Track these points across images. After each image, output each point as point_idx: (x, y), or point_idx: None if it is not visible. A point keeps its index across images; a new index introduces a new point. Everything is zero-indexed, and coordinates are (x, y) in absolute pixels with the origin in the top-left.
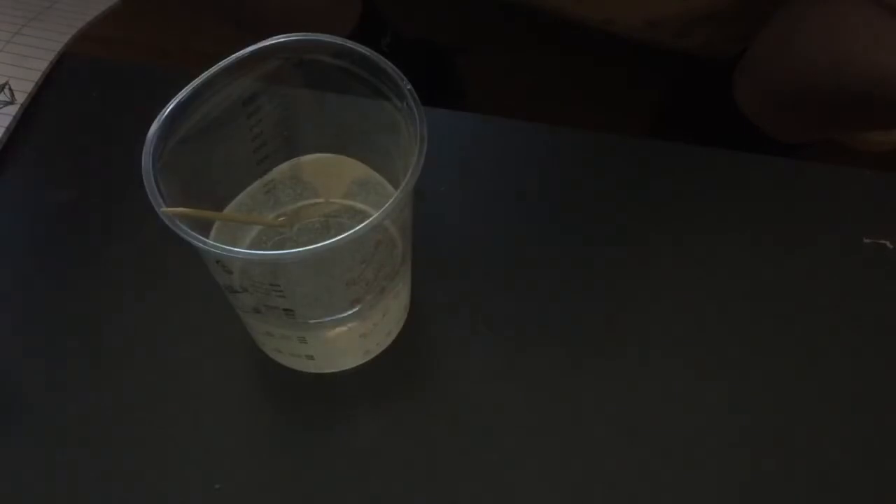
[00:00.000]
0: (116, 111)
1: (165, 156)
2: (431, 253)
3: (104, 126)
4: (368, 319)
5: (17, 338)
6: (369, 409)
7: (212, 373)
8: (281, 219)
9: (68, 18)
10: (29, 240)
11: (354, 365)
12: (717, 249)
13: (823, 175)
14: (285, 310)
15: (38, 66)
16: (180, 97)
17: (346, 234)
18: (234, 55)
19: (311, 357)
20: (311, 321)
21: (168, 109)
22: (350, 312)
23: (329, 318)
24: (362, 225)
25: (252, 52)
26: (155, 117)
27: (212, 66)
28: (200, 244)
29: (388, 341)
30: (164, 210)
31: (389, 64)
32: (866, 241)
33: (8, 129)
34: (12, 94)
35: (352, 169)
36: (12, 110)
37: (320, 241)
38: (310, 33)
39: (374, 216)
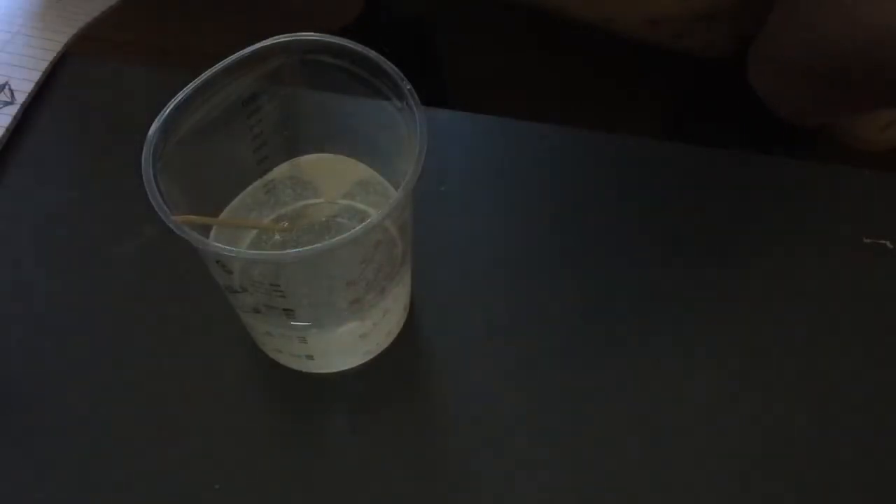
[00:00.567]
0: (116, 111)
1: (165, 156)
2: (431, 253)
3: (104, 126)
4: (368, 319)
5: (17, 338)
6: (369, 410)
7: (212, 373)
8: (283, 223)
9: (68, 18)
10: (29, 240)
11: (354, 365)
12: (717, 249)
13: (823, 175)
14: (285, 310)
15: (38, 66)
16: (180, 97)
17: (346, 234)
18: (234, 55)
19: (311, 357)
20: (312, 321)
21: (168, 109)
22: (350, 312)
23: (329, 319)
24: (362, 225)
25: (252, 52)
26: (155, 117)
27: (212, 66)
28: (200, 244)
29: (388, 341)
30: (175, 218)
31: (389, 64)
32: (866, 241)
33: (8, 129)
34: (12, 94)
35: (352, 169)
36: (12, 110)
37: (320, 242)
38: (310, 33)
39: (375, 216)
